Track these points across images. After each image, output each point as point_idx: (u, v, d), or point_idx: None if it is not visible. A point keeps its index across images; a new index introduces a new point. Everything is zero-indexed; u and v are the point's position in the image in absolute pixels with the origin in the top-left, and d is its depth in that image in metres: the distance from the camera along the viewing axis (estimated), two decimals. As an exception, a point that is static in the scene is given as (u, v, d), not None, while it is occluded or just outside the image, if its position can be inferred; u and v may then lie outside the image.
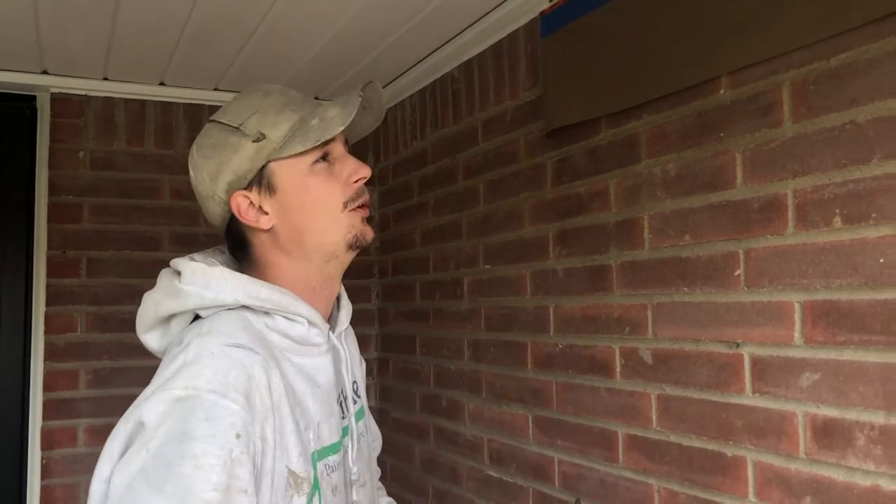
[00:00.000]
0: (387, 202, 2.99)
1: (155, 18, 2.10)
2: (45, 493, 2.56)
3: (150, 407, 0.94)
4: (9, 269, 2.60)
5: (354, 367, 1.26)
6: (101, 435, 2.62)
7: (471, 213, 2.33)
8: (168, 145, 2.79)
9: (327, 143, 1.09)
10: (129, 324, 2.62)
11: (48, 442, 2.57)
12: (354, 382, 1.24)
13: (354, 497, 1.16)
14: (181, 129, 2.81)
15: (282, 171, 1.09)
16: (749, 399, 1.38)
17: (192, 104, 2.82)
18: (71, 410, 2.60)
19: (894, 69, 1.15)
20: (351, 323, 1.28)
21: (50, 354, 2.59)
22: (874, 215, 1.17)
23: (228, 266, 1.12)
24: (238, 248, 1.16)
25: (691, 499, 1.50)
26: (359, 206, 1.12)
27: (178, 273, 1.08)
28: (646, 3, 1.61)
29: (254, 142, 1.09)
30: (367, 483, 1.21)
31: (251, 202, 1.10)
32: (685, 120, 1.53)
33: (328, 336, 1.15)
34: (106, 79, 2.66)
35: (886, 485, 1.15)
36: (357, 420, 1.22)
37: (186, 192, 2.72)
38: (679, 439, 1.53)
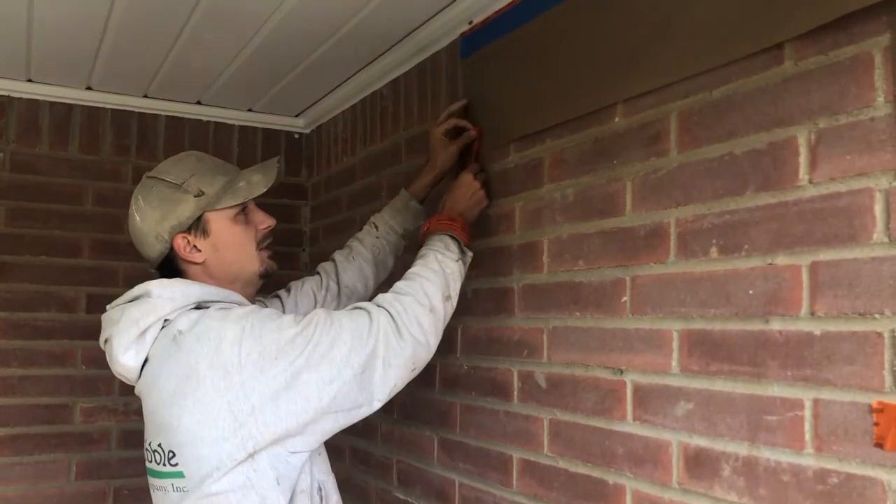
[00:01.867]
0: (317, 217, 2.97)
1: (72, 19, 2.06)
2: (-56, 503, 2.47)
3: (226, 341, 1.35)
4: (-82, 271, 2.52)
5: None
6: (5, 445, 2.55)
7: (391, 231, 2.32)
8: (94, 151, 2.74)
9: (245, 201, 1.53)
10: (42, 331, 2.59)
11: (-51, 450, 2.48)
12: None
13: None
14: (108, 134, 2.76)
15: (214, 219, 1.51)
16: (630, 426, 1.38)
17: (120, 110, 2.77)
18: (-25, 419, 2.52)
19: (766, 104, 1.16)
20: None
21: (-44, 360, 2.51)
22: (746, 246, 1.18)
23: None
24: (172, 275, 1.52)
25: (576, 526, 1.49)
26: (265, 247, 1.58)
27: (136, 297, 1.46)
28: (551, 30, 1.63)
29: (194, 196, 1.49)
30: None
31: (188, 241, 1.50)
32: (583, 146, 1.54)
33: None
34: (30, 80, 2.60)
35: (747, 516, 1.15)
36: None
37: (111, 199, 2.69)
38: (567, 465, 1.52)
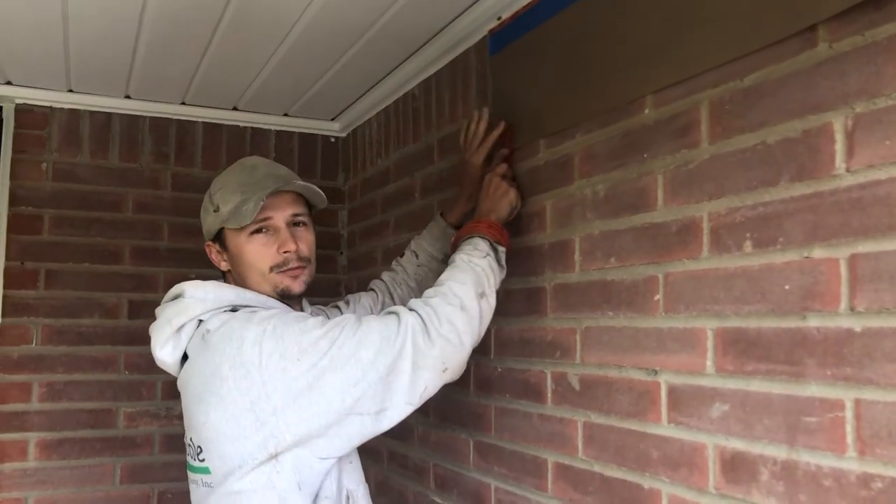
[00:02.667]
0: (354, 220, 2.96)
1: (104, 31, 2.09)
2: (-6, 507, 2.53)
3: (247, 342, 1.35)
4: (-33, 280, 2.59)
5: None
6: (52, 449, 2.59)
7: (425, 233, 2.30)
8: (133, 159, 2.78)
9: (263, 220, 1.51)
10: (86, 337, 2.63)
11: (-1, 455, 2.54)
12: None
13: None
14: (147, 142, 2.80)
15: (230, 236, 1.55)
16: (664, 429, 1.33)
17: (158, 118, 2.80)
18: (22, 423, 2.57)
19: (800, 89, 1.11)
20: None
21: (3, 366, 2.56)
22: (781, 240, 1.13)
23: None
24: (224, 276, 1.63)
25: (611, 532, 1.44)
26: (287, 270, 1.53)
27: (175, 297, 1.50)
28: (579, 23, 1.59)
29: (214, 211, 1.54)
30: None
31: (216, 250, 1.59)
32: (612, 140, 1.49)
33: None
34: (71, 90, 2.65)
35: (787, 523, 1.09)
36: None
37: (150, 206, 2.73)
38: (602, 469, 1.48)
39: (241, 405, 1.33)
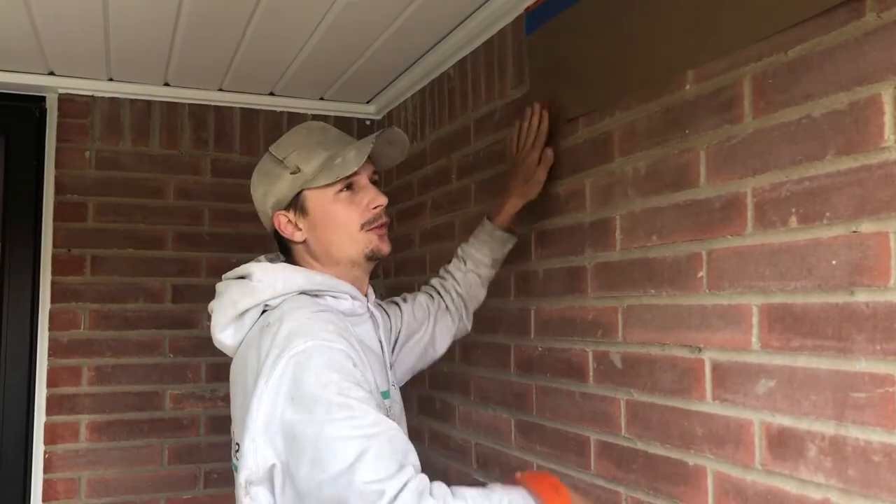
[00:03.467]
0: (391, 203, 2.96)
1: (143, 19, 2.12)
2: (48, 486, 2.60)
3: (277, 371, 1.20)
4: (16, 267, 2.66)
5: (386, 325, 1.66)
6: (102, 431, 2.66)
7: (463, 214, 2.31)
8: (173, 145, 2.82)
9: (350, 175, 1.40)
10: (131, 321, 2.69)
11: (51, 437, 2.61)
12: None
13: None
14: (186, 129, 2.84)
15: (313, 198, 1.42)
16: (709, 406, 1.33)
17: (196, 104, 2.84)
18: (74, 406, 2.64)
19: (846, 61, 1.09)
20: None
21: (54, 351, 2.64)
22: (828, 214, 1.11)
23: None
24: (283, 251, 1.52)
25: (656, 508, 1.45)
26: (376, 227, 1.44)
27: (243, 277, 1.41)
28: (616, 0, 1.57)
29: (291, 174, 1.42)
30: (402, 422, 1.51)
31: (289, 220, 1.44)
32: (653, 116, 1.48)
33: (367, 307, 1.50)
34: (111, 79, 2.70)
35: (836, 499, 1.09)
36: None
37: (191, 192, 2.77)
38: (645, 447, 1.48)
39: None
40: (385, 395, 1.43)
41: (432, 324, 1.77)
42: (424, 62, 2.49)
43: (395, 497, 1.06)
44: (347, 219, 1.41)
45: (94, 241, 2.69)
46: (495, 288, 2.07)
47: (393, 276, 2.93)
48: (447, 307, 1.81)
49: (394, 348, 1.70)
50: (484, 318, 2.14)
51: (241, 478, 1.23)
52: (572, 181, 1.74)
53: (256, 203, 1.50)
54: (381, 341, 1.53)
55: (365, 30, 2.22)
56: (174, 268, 2.78)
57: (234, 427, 1.38)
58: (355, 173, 1.40)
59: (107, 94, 2.73)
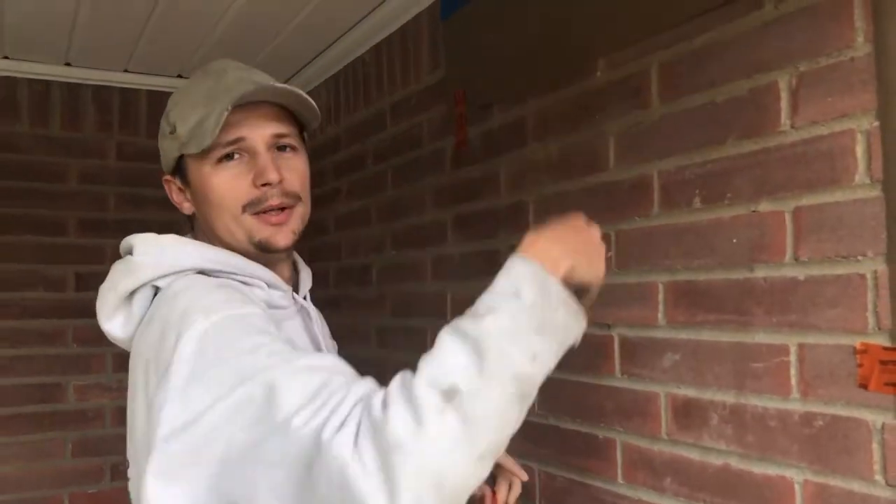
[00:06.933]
0: (304, 189, 2.95)
1: (44, -7, 2.03)
2: (-60, 484, 2.47)
3: (179, 353, 0.88)
4: None
5: (325, 328, 1.27)
6: (1, 425, 2.54)
7: (378, 199, 2.31)
8: (76, 128, 2.71)
9: (237, 140, 1.04)
10: (30, 310, 2.57)
11: (-56, 432, 2.48)
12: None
13: None
14: (89, 111, 2.73)
15: (192, 165, 1.08)
16: (618, 381, 1.38)
17: (100, 86, 2.74)
18: (-32, 400, 2.52)
19: (747, 50, 1.15)
20: None
21: (-55, 342, 2.50)
22: (729, 195, 1.18)
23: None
24: (189, 221, 1.17)
25: (567, 482, 1.50)
26: (261, 211, 1.05)
27: (129, 253, 1.06)
28: (531, -15, 1.60)
29: (170, 133, 1.08)
30: None
31: (178, 187, 1.12)
32: (565, 103, 1.52)
33: (293, 298, 1.13)
34: (6, 57, 2.56)
35: (735, 463, 1.15)
36: None
37: (95, 177, 2.66)
38: (557, 422, 1.53)
39: None
40: None
41: None
42: (338, 46, 2.48)
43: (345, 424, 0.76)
44: (225, 197, 1.05)
45: (-11, 227, 2.57)
46: (412, 272, 2.09)
47: (307, 262, 2.89)
48: None
49: None
50: (400, 303, 2.16)
51: None
52: (487, 166, 1.77)
53: None
54: (319, 339, 1.17)
55: (277, 11, 2.19)
56: (77, 255, 2.67)
57: (131, 448, 1.02)
58: (240, 139, 1.04)
59: (1, 73, 2.60)
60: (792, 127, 1.08)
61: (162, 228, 1.13)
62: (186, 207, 1.12)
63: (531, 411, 1.58)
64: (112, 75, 2.72)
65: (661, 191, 1.30)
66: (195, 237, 1.13)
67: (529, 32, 1.61)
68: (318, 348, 1.14)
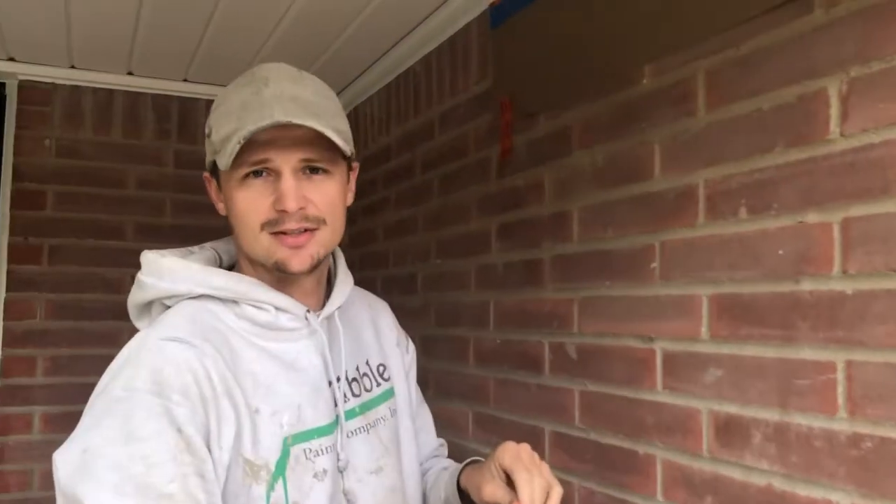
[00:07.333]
0: (356, 197, 2.96)
1: (105, 5, 2.09)
2: (0, 478, 2.55)
3: (94, 408, 0.96)
4: (-29, 255, 2.61)
5: (367, 349, 1.21)
6: (56, 422, 2.62)
7: (426, 208, 2.31)
8: (135, 135, 2.79)
9: (263, 161, 1.00)
10: (89, 312, 2.65)
11: (4, 428, 2.57)
12: (367, 362, 1.19)
13: (347, 485, 1.07)
14: (149, 119, 2.81)
15: (223, 174, 1.05)
16: (659, 395, 1.34)
17: (160, 94, 2.82)
18: (27, 397, 2.60)
19: (795, 56, 1.11)
20: None
21: (8, 341, 2.59)
22: (775, 205, 1.14)
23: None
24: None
25: (607, 498, 1.46)
26: (279, 233, 1.02)
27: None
28: (578, -8, 1.59)
29: (207, 136, 1.06)
30: (383, 470, 1.13)
31: (215, 187, 1.10)
32: (611, 110, 1.50)
33: (307, 320, 1.08)
34: (73, 67, 2.66)
35: (779, 484, 1.11)
36: (378, 403, 1.17)
37: (153, 183, 2.74)
38: (598, 437, 1.50)
39: None
40: (321, 432, 1.05)
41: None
42: (390, 57, 2.50)
43: None
44: (247, 212, 1.03)
45: (52, 230, 2.66)
46: (456, 280, 2.08)
47: (358, 270, 2.91)
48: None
49: None
50: (444, 312, 2.15)
51: None
52: (532, 174, 1.75)
53: None
54: (339, 359, 1.12)
55: (330, 22, 2.22)
56: (134, 259, 2.70)
57: None
58: (267, 160, 1.00)
59: (68, 82, 2.70)
60: (841, 135, 1.04)
61: (216, 234, 1.19)
62: (221, 208, 1.10)
63: (572, 425, 1.56)
64: (172, 84, 2.80)
65: (706, 200, 1.26)
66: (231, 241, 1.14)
67: (576, 39, 1.60)
68: (329, 370, 1.09)
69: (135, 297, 1.10)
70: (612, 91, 1.50)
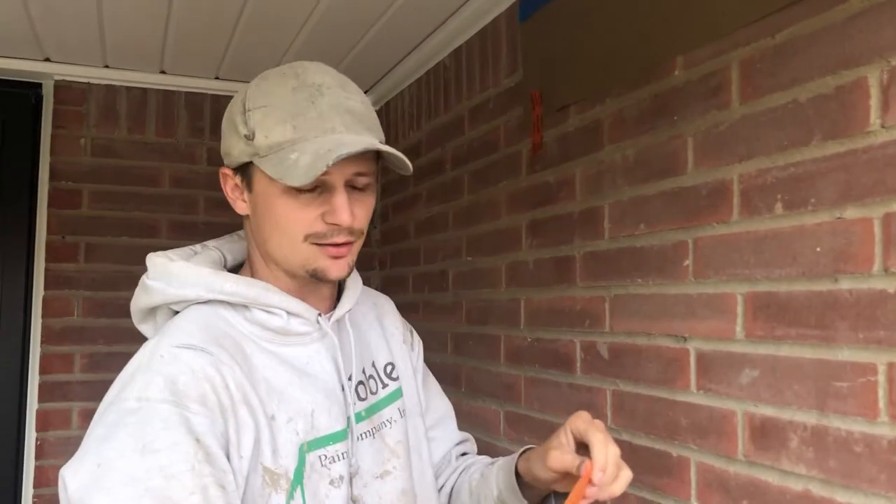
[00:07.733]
0: (387, 194, 2.96)
1: (136, 5, 2.11)
2: (39, 473, 2.60)
3: (105, 419, 0.92)
4: (10, 254, 2.65)
5: (374, 350, 1.19)
6: (94, 418, 2.65)
7: (456, 204, 2.29)
8: (169, 134, 2.82)
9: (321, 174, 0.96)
10: (125, 309, 2.64)
11: (43, 423, 2.61)
12: (374, 364, 1.17)
13: (355, 491, 1.05)
14: (182, 117, 2.83)
15: (260, 178, 1.01)
16: (693, 396, 1.31)
17: (193, 93, 2.83)
18: (66, 393, 2.64)
19: (832, 44, 1.07)
20: None
21: (47, 338, 2.63)
22: (812, 201, 1.09)
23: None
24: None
25: (640, 501, 1.43)
26: (326, 244, 1.01)
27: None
28: (608, -17, 1.55)
29: (245, 136, 1.00)
30: (390, 474, 1.10)
31: (236, 184, 1.06)
32: (642, 103, 1.46)
33: (318, 324, 1.07)
34: (107, 66, 2.69)
35: (816, 490, 1.07)
36: (384, 406, 1.14)
37: (186, 181, 2.76)
38: (630, 437, 1.46)
39: None
40: (335, 438, 1.03)
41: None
42: (420, 52, 2.48)
43: None
44: (289, 222, 1.01)
45: (88, 228, 2.69)
46: (487, 278, 2.06)
47: (389, 268, 2.91)
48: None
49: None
50: (475, 310, 2.13)
51: None
52: (563, 170, 1.72)
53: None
54: (349, 362, 1.10)
55: (359, 17, 2.21)
56: (168, 256, 2.76)
57: None
58: (324, 173, 0.96)
59: (103, 82, 2.73)
60: (882, 126, 1.00)
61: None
62: (241, 207, 1.07)
63: (604, 426, 1.53)
64: (204, 83, 2.81)
65: (740, 195, 1.22)
66: (246, 236, 1.11)
67: (607, 31, 1.56)
68: (348, 374, 1.08)
69: (139, 301, 1.08)
70: (643, 83, 1.46)
